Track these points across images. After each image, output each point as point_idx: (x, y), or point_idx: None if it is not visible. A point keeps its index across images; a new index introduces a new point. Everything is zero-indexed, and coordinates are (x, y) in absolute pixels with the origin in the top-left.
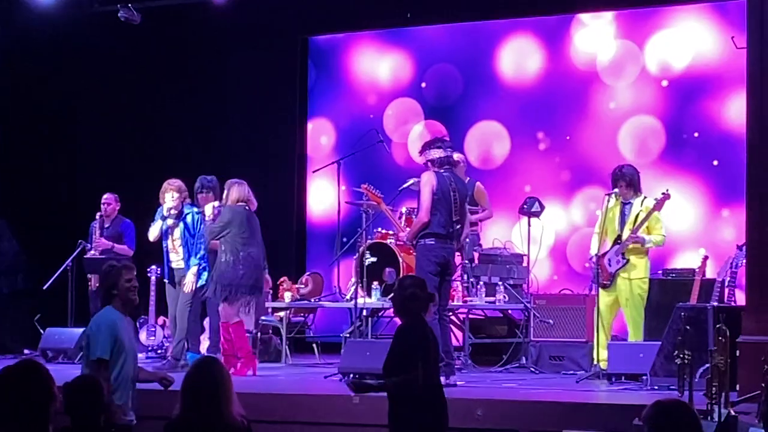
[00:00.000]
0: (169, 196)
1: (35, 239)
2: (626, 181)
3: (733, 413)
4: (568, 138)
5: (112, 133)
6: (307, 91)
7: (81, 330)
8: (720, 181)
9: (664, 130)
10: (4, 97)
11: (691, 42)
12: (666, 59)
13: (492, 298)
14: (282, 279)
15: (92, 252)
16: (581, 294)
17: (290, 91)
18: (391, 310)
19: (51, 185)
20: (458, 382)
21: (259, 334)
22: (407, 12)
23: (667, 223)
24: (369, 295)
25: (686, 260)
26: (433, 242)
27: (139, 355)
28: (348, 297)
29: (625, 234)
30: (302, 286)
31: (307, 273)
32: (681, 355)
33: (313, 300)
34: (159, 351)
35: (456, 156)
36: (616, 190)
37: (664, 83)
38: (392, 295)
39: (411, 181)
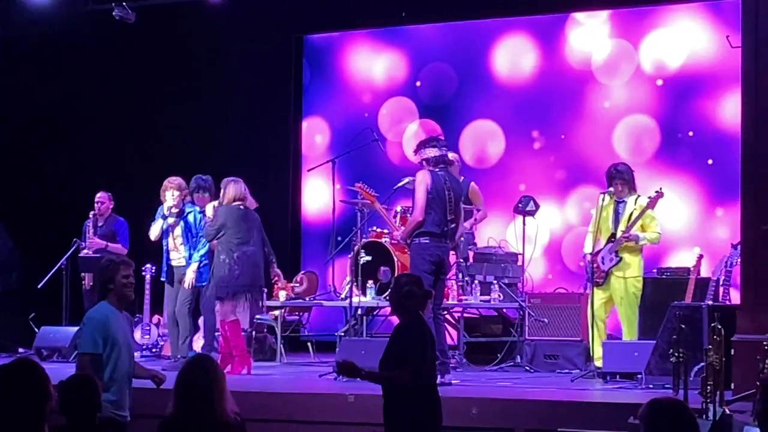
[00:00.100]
0: (170, 194)
1: (35, 239)
2: (623, 178)
3: (727, 412)
4: (562, 137)
5: (109, 132)
6: (301, 90)
7: (75, 329)
8: (715, 179)
9: (658, 129)
10: (2, 97)
11: (685, 41)
12: (661, 58)
13: (487, 297)
14: (276, 278)
15: (86, 251)
16: (576, 293)
17: (285, 90)
18: (386, 309)
19: (49, 185)
20: (453, 381)
21: (253, 332)
22: (402, 11)
23: (662, 222)
24: (364, 293)
25: (681, 259)
26: (427, 241)
27: (134, 354)
28: (343, 296)
29: (619, 232)
30: (297, 284)
31: (302, 272)
32: (676, 354)
33: (307, 299)
34: (154, 350)
35: (451, 155)
36: (611, 189)
37: (659, 82)
38: (389, 293)
39: (406, 180)
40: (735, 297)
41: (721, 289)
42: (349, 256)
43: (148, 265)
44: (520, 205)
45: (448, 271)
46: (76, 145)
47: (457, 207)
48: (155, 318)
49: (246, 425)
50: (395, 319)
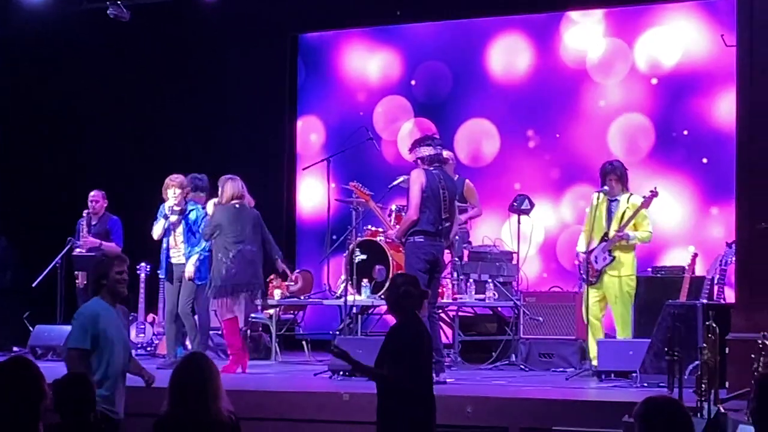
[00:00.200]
0: (171, 192)
1: (32, 238)
2: (617, 174)
3: (722, 410)
4: (557, 136)
5: (106, 130)
6: (296, 89)
7: (70, 327)
8: (709, 178)
9: (653, 127)
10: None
11: (680, 40)
12: (655, 57)
13: (482, 296)
14: (271, 276)
15: (80, 249)
16: (571, 291)
17: (280, 89)
18: (381, 307)
19: (45, 183)
20: (448, 380)
21: (248, 331)
22: (397, 9)
23: (656, 221)
24: (359, 292)
25: (676, 258)
26: (422, 240)
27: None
28: (338, 294)
29: (612, 231)
30: (292, 283)
31: (297, 270)
32: (671, 353)
33: (302, 297)
34: (148, 348)
35: (445, 153)
36: (606, 187)
37: (654, 81)
38: (385, 293)
39: (401, 179)
40: (730, 296)
41: (715, 288)
42: (344, 254)
43: (143, 264)
44: (515, 203)
45: (443, 270)
46: (73, 144)
47: (452, 206)
48: (150, 316)
49: (241, 424)
50: (391, 318)
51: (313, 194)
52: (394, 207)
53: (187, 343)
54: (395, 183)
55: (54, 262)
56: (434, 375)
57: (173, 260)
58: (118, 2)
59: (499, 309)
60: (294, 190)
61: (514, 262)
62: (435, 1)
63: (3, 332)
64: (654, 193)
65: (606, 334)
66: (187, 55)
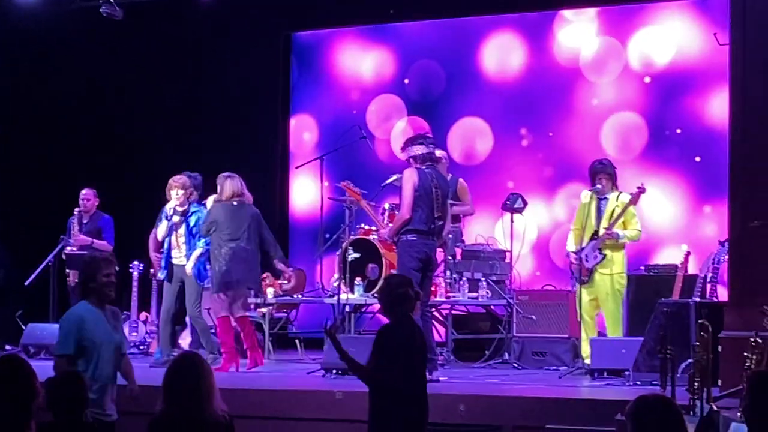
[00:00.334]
0: (174, 194)
1: (28, 237)
2: (606, 172)
3: (715, 408)
4: (550, 134)
5: (98, 129)
6: (289, 88)
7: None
8: (702, 177)
9: (646, 126)
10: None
11: (673, 38)
12: (648, 56)
13: (475, 294)
14: (265, 275)
15: (71, 248)
16: (564, 290)
17: (273, 88)
18: (374, 306)
19: (39, 182)
20: (441, 378)
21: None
22: (390, 8)
23: (649, 219)
24: (352, 290)
25: (668, 256)
26: (414, 238)
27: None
28: (331, 292)
29: (602, 230)
30: (285, 281)
31: (290, 269)
32: (663, 351)
33: (295, 296)
34: (141, 347)
35: (438, 152)
36: (599, 186)
37: (647, 80)
38: (380, 294)
39: (394, 178)
40: (722, 294)
41: (708, 286)
42: (337, 253)
43: (136, 262)
44: (508, 202)
45: (436, 269)
46: (64, 143)
47: (444, 205)
48: (143, 315)
49: (234, 423)
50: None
51: (306, 193)
52: (387, 206)
53: (180, 342)
54: (388, 181)
55: (46, 261)
56: (427, 373)
57: (174, 261)
58: (111, 1)
59: (492, 307)
60: (287, 189)
61: (507, 260)
62: (428, 0)
63: None
64: (641, 189)
65: (599, 333)
66: (180, 54)
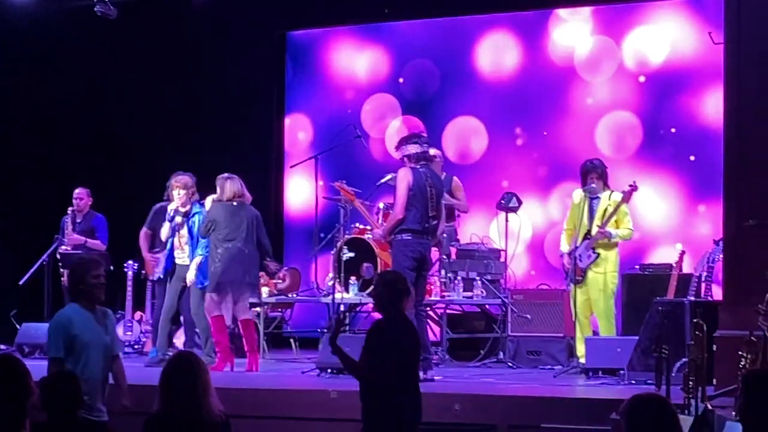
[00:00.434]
0: (176, 194)
1: (22, 236)
2: (598, 172)
3: (709, 407)
4: (545, 133)
5: (93, 128)
6: (284, 87)
7: None
8: (697, 176)
9: (641, 125)
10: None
11: (668, 37)
12: (643, 55)
13: (469, 293)
14: (260, 274)
15: (65, 247)
16: (558, 289)
17: (268, 87)
18: (369, 305)
19: (33, 182)
20: (436, 377)
21: (236, 329)
22: (385, 7)
23: (644, 218)
24: (346, 290)
25: (663, 255)
26: (409, 237)
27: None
28: (325, 292)
29: (594, 229)
30: (280, 281)
31: (285, 268)
32: (658, 350)
33: (290, 295)
34: (136, 346)
35: (432, 151)
36: (593, 186)
37: (641, 79)
38: (376, 291)
39: (388, 177)
40: (717, 293)
41: (703, 285)
42: (332, 252)
43: (130, 262)
44: (502, 201)
45: (430, 268)
46: (59, 143)
47: (439, 204)
48: (137, 314)
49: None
50: (379, 316)
51: (300, 192)
52: (381, 205)
53: (175, 342)
54: (383, 181)
55: (41, 260)
56: (422, 372)
57: (177, 261)
58: (105, 0)
59: (487, 306)
60: (282, 188)
61: (502, 259)
62: None
63: None
64: (633, 187)
65: (594, 332)
66: (174, 53)
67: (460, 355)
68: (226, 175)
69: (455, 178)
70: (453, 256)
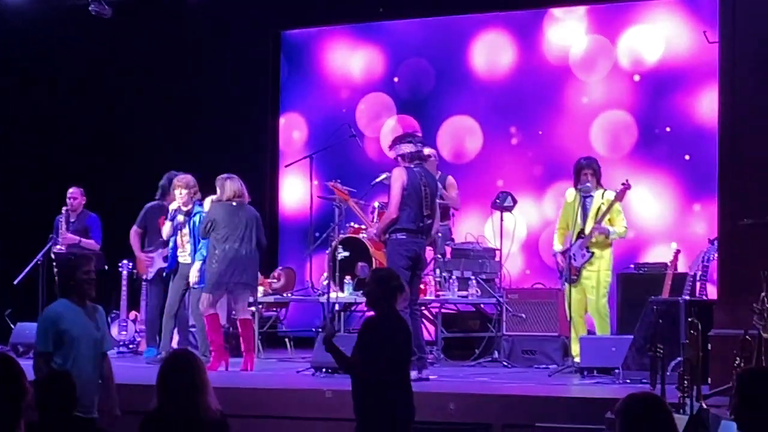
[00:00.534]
0: (178, 193)
1: (17, 236)
2: (592, 169)
3: (704, 406)
4: (540, 133)
5: (86, 128)
6: (279, 86)
7: None
8: (692, 175)
9: (636, 124)
10: None
11: (662, 36)
12: (638, 54)
13: (464, 293)
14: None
15: (59, 246)
16: (553, 288)
17: (262, 86)
18: (364, 304)
19: (28, 181)
20: (431, 377)
21: (231, 328)
22: (380, 6)
23: (639, 217)
24: (341, 289)
25: (658, 254)
26: (404, 237)
27: (109, 351)
28: (320, 291)
29: (588, 227)
30: (275, 280)
31: (280, 267)
32: (653, 349)
33: (285, 294)
34: (131, 346)
35: (426, 150)
36: (588, 184)
37: (636, 78)
38: (369, 288)
39: (383, 176)
40: (712, 292)
41: (698, 284)
42: (327, 251)
43: (125, 261)
44: (497, 200)
45: (425, 267)
46: (53, 142)
47: (433, 203)
48: (132, 314)
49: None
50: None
51: (295, 191)
52: (376, 204)
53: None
54: (378, 180)
55: (35, 260)
56: (417, 372)
57: (180, 259)
58: None
59: (482, 306)
60: (276, 188)
61: (497, 259)
62: None
63: None
64: (626, 186)
65: (589, 331)
66: (169, 52)
67: (455, 355)
68: (226, 175)
69: (450, 176)
70: (448, 256)
